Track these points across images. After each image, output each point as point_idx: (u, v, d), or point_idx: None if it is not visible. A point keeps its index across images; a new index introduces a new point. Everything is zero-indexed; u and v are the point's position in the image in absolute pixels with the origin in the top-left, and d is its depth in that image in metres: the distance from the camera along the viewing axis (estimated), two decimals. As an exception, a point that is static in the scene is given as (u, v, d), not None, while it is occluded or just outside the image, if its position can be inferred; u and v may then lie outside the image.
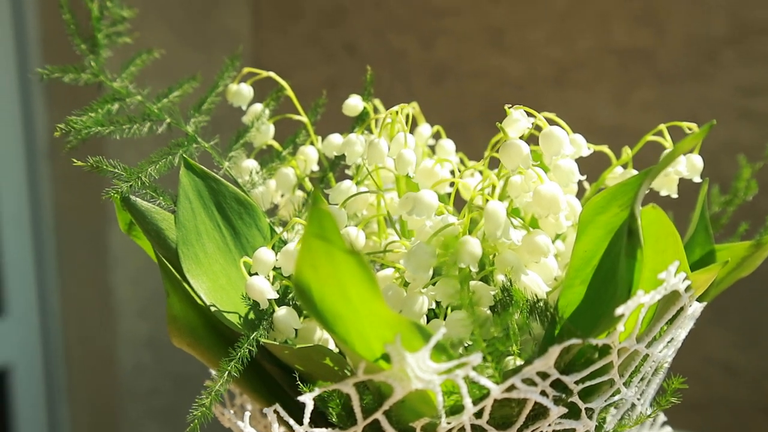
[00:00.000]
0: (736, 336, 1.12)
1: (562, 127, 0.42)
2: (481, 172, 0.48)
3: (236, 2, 1.45)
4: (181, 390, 1.36)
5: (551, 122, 0.42)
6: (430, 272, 0.37)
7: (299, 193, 0.47)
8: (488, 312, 0.39)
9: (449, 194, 0.47)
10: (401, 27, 1.36)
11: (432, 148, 0.52)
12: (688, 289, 0.33)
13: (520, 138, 0.38)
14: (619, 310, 0.30)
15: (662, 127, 0.41)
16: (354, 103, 0.44)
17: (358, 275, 0.29)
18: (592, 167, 0.48)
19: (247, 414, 0.38)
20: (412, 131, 0.52)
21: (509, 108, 0.37)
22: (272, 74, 0.45)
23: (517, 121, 0.37)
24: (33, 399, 1.35)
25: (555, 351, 0.31)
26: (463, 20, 1.29)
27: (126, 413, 1.33)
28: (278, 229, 0.45)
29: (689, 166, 0.40)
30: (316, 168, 0.47)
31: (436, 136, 0.51)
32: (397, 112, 0.42)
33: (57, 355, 1.37)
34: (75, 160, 0.37)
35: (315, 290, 0.30)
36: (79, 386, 1.38)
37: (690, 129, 0.40)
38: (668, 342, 0.37)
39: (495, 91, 1.29)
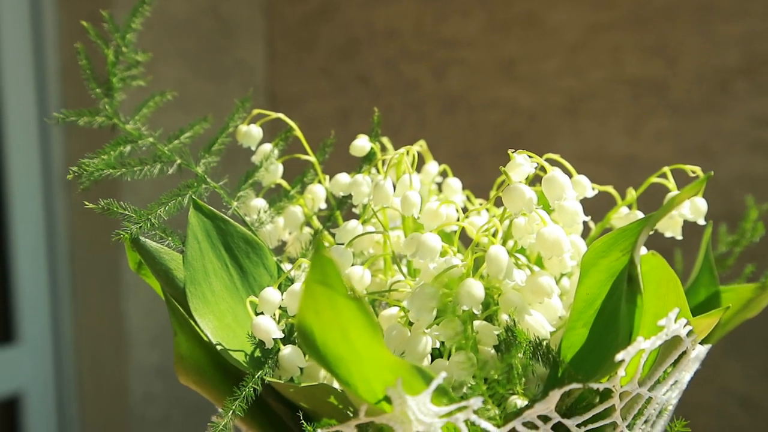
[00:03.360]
0: (753, 368, 1.10)
1: (566, 169, 0.42)
2: (488, 210, 0.48)
3: (250, 34, 1.47)
4: (192, 419, 1.36)
5: (555, 163, 0.42)
6: (434, 313, 0.37)
7: (307, 231, 0.48)
8: (492, 351, 0.40)
9: (455, 231, 0.48)
10: (414, 58, 1.37)
11: (439, 185, 0.52)
12: (690, 334, 0.33)
13: (526, 179, 0.39)
14: (619, 356, 0.30)
15: (666, 169, 0.42)
16: (361, 144, 0.45)
17: (359, 320, 0.29)
18: (598, 205, 0.49)
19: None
20: (419, 169, 0.52)
21: (512, 152, 0.38)
22: (281, 115, 0.46)
23: (520, 165, 0.37)
24: (45, 427, 1.36)
25: (555, 395, 0.31)
26: (475, 51, 1.31)
27: (137, 441, 1.34)
28: (285, 267, 0.46)
29: (693, 209, 0.40)
30: (323, 206, 0.48)
31: (444, 173, 0.52)
32: (406, 152, 0.43)
33: (69, 383, 1.38)
34: (87, 203, 0.38)
35: (317, 334, 0.30)
36: (90, 414, 1.38)
37: (694, 172, 0.41)
38: (672, 385, 0.37)
39: (507, 121, 1.29)
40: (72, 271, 1.35)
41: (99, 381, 1.37)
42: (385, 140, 0.53)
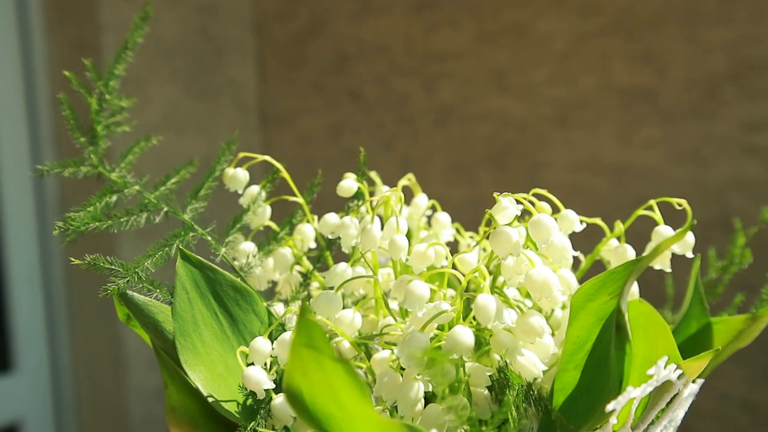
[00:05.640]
0: (754, 372, 1.10)
1: (555, 204, 0.42)
2: (478, 243, 0.48)
3: (240, 53, 1.47)
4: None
5: (542, 198, 0.42)
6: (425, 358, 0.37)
7: (297, 269, 0.48)
8: (485, 392, 0.40)
9: (445, 266, 0.47)
10: (404, 72, 1.37)
11: (429, 218, 0.52)
12: (680, 377, 0.33)
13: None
14: (609, 407, 0.30)
15: (652, 202, 0.42)
16: (348, 185, 0.45)
17: (347, 382, 0.29)
18: (589, 230, 0.49)
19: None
20: (408, 202, 0.52)
21: (498, 195, 0.38)
22: (268, 158, 0.46)
23: (506, 208, 0.37)
24: (45, 453, 1.35)
25: (548, 446, 0.31)
26: (464, 63, 1.31)
27: (138, 465, 1.33)
28: (276, 309, 0.46)
29: (681, 243, 0.40)
30: (313, 245, 0.47)
31: (433, 207, 0.52)
32: (392, 193, 0.43)
33: (68, 409, 1.37)
34: (72, 259, 0.38)
35: (306, 394, 0.30)
36: (90, 439, 1.38)
37: (680, 205, 0.41)
38: (666, 424, 0.37)
39: (499, 132, 1.29)
40: (68, 297, 1.35)
41: (98, 405, 1.36)
42: (373, 174, 0.52)
